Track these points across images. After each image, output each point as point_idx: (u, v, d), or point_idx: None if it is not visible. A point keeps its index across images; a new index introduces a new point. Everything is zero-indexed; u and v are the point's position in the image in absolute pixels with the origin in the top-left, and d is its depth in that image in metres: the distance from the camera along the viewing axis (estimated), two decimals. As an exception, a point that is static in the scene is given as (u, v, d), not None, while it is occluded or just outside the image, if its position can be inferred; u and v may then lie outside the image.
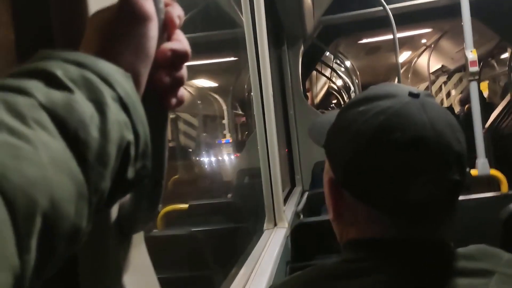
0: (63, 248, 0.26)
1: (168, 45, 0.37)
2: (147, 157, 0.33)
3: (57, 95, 0.27)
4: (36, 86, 0.26)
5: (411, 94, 0.55)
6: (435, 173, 0.52)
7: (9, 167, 0.22)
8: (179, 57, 0.37)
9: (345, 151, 0.56)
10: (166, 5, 0.38)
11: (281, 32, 3.51)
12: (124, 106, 0.30)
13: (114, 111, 0.29)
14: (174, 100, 0.38)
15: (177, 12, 0.38)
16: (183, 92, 0.39)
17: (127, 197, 0.42)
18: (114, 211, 0.43)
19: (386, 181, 0.53)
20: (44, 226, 0.23)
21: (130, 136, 0.30)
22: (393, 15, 3.29)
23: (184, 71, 0.38)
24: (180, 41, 0.38)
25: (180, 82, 0.38)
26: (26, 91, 0.26)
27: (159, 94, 0.37)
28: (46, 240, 0.24)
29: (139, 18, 0.34)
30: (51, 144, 0.25)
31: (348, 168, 0.56)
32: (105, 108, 0.29)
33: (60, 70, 0.28)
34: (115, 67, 0.31)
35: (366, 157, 0.54)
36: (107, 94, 0.29)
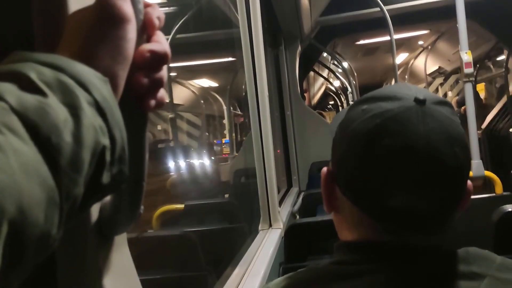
0: (32, 255, 0.25)
1: (147, 46, 0.36)
2: (123, 162, 0.32)
3: (29, 99, 0.26)
4: (8, 89, 0.26)
5: (416, 100, 0.53)
6: (418, 185, 0.51)
7: None
8: (158, 59, 0.37)
9: (342, 145, 0.57)
10: (146, 6, 0.37)
11: (278, 32, 3.51)
12: (101, 110, 0.30)
13: (89, 116, 0.29)
14: (153, 102, 0.38)
15: (157, 13, 0.38)
16: (163, 93, 0.39)
17: (108, 198, 0.42)
18: (95, 212, 0.42)
19: (371, 184, 0.53)
20: (11, 233, 0.23)
21: (105, 141, 0.30)
22: (390, 16, 3.30)
23: (163, 73, 0.38)
24: (160, 42, 0.37)
25: (159, 84, 0.38)
26: None
27: (138, 95, 0.37)
28: (13, 247, 0.23)
29: (117, 20, 0.34)
30: (21, 150, 0.24)
31: (339, 164, 0.57)
32: (80, 113, 0.28)
33: (34, 72, 0.28)
34: (91, 71, 0.31)
35: (354, 157, 0.54)
36: (83, 98, 0.29)
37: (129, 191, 0.40)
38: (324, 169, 0.61)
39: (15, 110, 0.25)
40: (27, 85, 0.27)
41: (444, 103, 0.55)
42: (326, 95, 10.19)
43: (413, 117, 0.52)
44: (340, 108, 9.29)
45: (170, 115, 4.16)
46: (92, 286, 0.41)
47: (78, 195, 0.28)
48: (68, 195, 0.27)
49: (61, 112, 0.27)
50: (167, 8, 3.29)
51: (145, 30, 0.37)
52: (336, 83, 8.69)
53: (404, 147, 0.51)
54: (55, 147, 0.26)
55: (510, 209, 1.20)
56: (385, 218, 0.54)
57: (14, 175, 0.23)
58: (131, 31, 0.35)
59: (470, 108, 2.36)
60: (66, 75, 0.29)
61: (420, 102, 0.53)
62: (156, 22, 0.38)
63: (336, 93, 9.34)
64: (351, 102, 6.84)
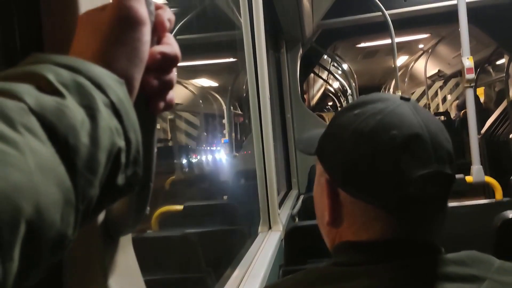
0: (48, 256, 0.25)
1: (158, 48, 0.37)
2: (138, 164, 0.32)
3: (48, 100, 0.26)
4: (27, 90, 0.26)
5: (402, 98, 0.59)
6: (432, 167, 0.54)
7: None
8: (168, 61, 0.37)
9: (343, 151, 0.57)
10: (157, 8, 0.38)
11: (280, 36, 3.52)
12: (117, 112, 0.30)
13: (106, 117, 0.29)
14: (162, 104, 0.38)
15: (168, 15, 0.38)
16: (172, 95, 0.39)
17: None
18: (101, 213, 0.43)
19: (386, 177, 0.54)
20: (28, 234, 0.23)
21: (121, 143, 0.30)
22: (391, 20, 3.31)
23: (173, 75, 0.38)
24: (170, 44, 0.37)
25: (169, 86, 0.38)
26: (16, 95, 0.25)
27: (147, 97, 0.37)
28: (30, 248, 0.23)
29: (134, 23, 0.34)
30: (39, 150, 0.24)
31: (346, 167, 0.57)
32: (97, 114, 0.28)
33: (52, 74, 0.28)
34: (108, 72, 0.31)
35: (365, 154, 0.55)
36: (99, 100, 0.29)
37: (136, 193, 0.40)
38: (319, 183, 0.62)
39: (34, 111, 0.25)
40: (45, 86, 0.27)
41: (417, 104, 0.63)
42: (325, 96, 10.20)
43: (408, 111, 0.57)
44: (339, 109, 9.30)
45: (170, 116, 4.16)
46: (98, 286, 0.42)
47: (93, 196, 0.28)
48: (84, 196, 0.27)
49: (78, 114, 0.27)
50: (171, 9, 3.29)
51: (156, 32, 0.37)
52: (336, 85, 8.71)
53: (410, 135, 0.54)
54: (72, 148, 0.26)
55: (511, 216, 1.20)
56: (403, 209, 0.55)
57: (31, 175, 0.23)
58: (147, 34, 0.35)
59: (471, 113, 2.36)
60: (83, 76, 0.29)
61: (406, 99, 0.59)
62: (167, 24, 0.38)
63: (335, 94, 9.36)
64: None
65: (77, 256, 0.41)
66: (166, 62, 0.37)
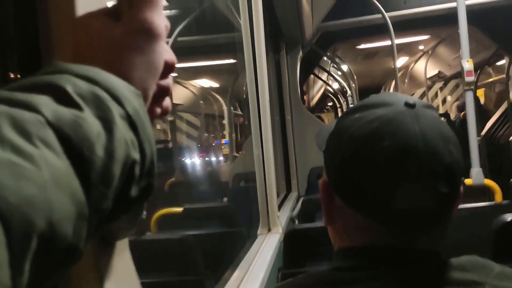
0: (58, 268, 0.25)
1: None
2: (152, 176, 0.32)
3: (65, 113, 0.26)
4: (44, 102, 0.26)
5: (407, 104, 0.56)
6: (422, 183, 0.52)
7: (9, 187, 0.21)
8: (167, 67, 0.37)
9: (337, 155, 0.57)
10: None
11: (280, 38, 3.52)
12: (132, 124, 0.30)
13: (122, 130, 0.29)
14: (158, 110, 0.38)
15: (164, 23, 0.38)
16: (168, 102, 0.39)
17: None
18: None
19: (373, 187, 0.53)
20: (39, 247, 0.23)
21: (136, 155, 0.30)
22: (391, 22, 3.31)
23: (170, 81, 0.38)
24: (168, 51, 0.38)
25: (165, 92, 0.38)
26: (34, 107, 0.25)
27: (147, 107, 0.37)
28: (40, 261, 0.23)
29: (155, 35, 0.34)
30: (54, 163, 0.24)
31: (338, 172, 0.57)
32: (113, 127, 0.28)
33: (70, 85, 0.28)
34: (125, 84, 0.31)
35: (355, 162, 0.55)
36: (116, 112, 0.29)
37: None
38: (321, 181, 0.62)
39: (51, 124, 0.25)
40: (63, 98, 0.27)
41: (430, 107, 0.59)
42: (324, 96, 10.20)
43: (407, 119, 0.54)
44: (339, 109, 9.30)
45: (170, 118, 4.16)
46: None
47: (106, 208, 0.28)
48: (97, 209, 0.27)
49: (94, 126, 0.27)
50: (168, 11, 3.30)
51: None
52: (335, 85, 8.71)
53: (404, 147, 0.52)
54: (87, 161, 0.26)
55: (510, 219, 1.20)
56: (391, 221, 0.54)
57: (46, 190, 0.23)
58: (163, 45, 0.35)
59: (471, 116, 2.35)
60: (100, 88, 0.29)
61: (410, 105, 0.55)
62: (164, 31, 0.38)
63: (335, 95, 9.36)
64: (351, 105, 6.85)
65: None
66: (165, 68, 0.37)
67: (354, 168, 0.55)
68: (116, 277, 0.44)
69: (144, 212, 0.43)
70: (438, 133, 0.54)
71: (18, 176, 0.22)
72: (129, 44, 0.34)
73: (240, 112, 7.69)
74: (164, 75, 0.37)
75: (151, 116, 0.38)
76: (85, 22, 0.36)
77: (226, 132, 7.04)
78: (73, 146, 0.26)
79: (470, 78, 2.28)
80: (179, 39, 3.09)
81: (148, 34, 0.34)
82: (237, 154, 4.99)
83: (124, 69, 0.33)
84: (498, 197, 2.18)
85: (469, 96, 2.35)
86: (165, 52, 0.37)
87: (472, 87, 2.37)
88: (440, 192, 0.53)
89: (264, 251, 1.67)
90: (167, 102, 0.39)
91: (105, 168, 0.27)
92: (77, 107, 0.27)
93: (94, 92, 0.28)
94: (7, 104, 0.25)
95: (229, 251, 1.96)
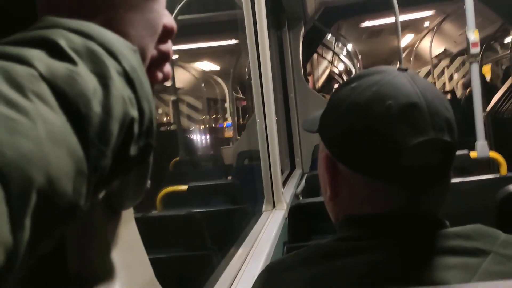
0: (59, 225, 0.25)
1: None
2: (151, 135, 0.31)
3: (59, 67, 0.25)
4: (37, 56, 0.25)
5: (399, 69, 0.58)
6: (429, 135, 0.53)
7: (5, 142, 0.21)
8: (166, 31, 0.37)
9: (340, 124, 0.57)
10: None
11: (281, 14, 3.47)
12: (130, 81, 0.29)
13: (119, 86, 0.28)
14: (160, 75, 0.38)
15: None
16: (168, 68, 0.38)
17: None
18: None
19: (382, 147, 0.54)
20: (39, 203, 0.22)
21: (134, 113, 0.29)
22: (395, -3, 3.24)
23: (169, 46, 0.38)
24: (167, 15, 0.37)
25: (166, 57, 0.38)
26: (27, 61, 0.24)
27: (146, 67, 0.36)
28: (41, 218, 0.23)
29: None
30: (50, 118, 0.23)
31: (344, 140, 0.57)
32: (109, 82, 0.27)
33: (63, 39, 0.27)
34: (121, 40, 0.30)
35: (361, 126, 0.55)
36: (112, 68, 0.28)
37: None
38: (321, 158, 0.62)
39: (44, 78, 0.24)
40: (57, 52, 0.26)
41: (417, 74, 0.62)
42: (330, 78, 10.11)
43: (405, 81, 0.56)
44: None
45: (172, 98, 4.17)
46: (102, 261, 0.42)
47: (105, 167, 0.27)
48: (96, 166, 0.26)
49: (90, 81, 0.26)
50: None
51: None
52: (341, 66, 8.63)
53: (406, 104, 0.54)
54: (84, 117, 0.25)
55: (514, 189, 1.20)
56: (400, 179, 0.55)
57: (42, 145, 0.22)
58: (163, 6, 0.35)
59: (476, 89, 2.33)
60: (95, 42, 0.28)
61: (403, 70, 0.58)
62: None
63: (341, 76, 9.28)
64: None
65: (80, 228, 0.41)
66: (164, 32, 0.36)
67: (361, 133, 0.55)
68: (123, 246, 0.44)
69: (149, 181, 0.43)
70: (434, 91, 0.57)
71: (14, 131, 0.21)
72: (126, 1, 0.33)
73: (242, 96, 7.67)
74: (164, 39, 0.37)
75: (152, 80, 0.38)
76: None
77: (228, 116, 7.03)
78: (68, 101, 0.25)
79: (475, 50, 2.25)
80: (179, 17, 3.06)
81: None
82: (239, 137, 4.99)
83: (121, 27, 0.32)
84: (503, 169, 2.17)
85: (474, 69, 2.32)
86: (164, 15, 0.37)
87: (478, 59, 2.33)
88: (446, 141, 0.54)
89: (269, 227, 1.69)
90: (167, 68, 0.38)
91: (103, 125, 0.26)
92: (71, 61, 0.26)
93: (88, 47, 0.27)
94: None
95: (235, 227, 1.98)
